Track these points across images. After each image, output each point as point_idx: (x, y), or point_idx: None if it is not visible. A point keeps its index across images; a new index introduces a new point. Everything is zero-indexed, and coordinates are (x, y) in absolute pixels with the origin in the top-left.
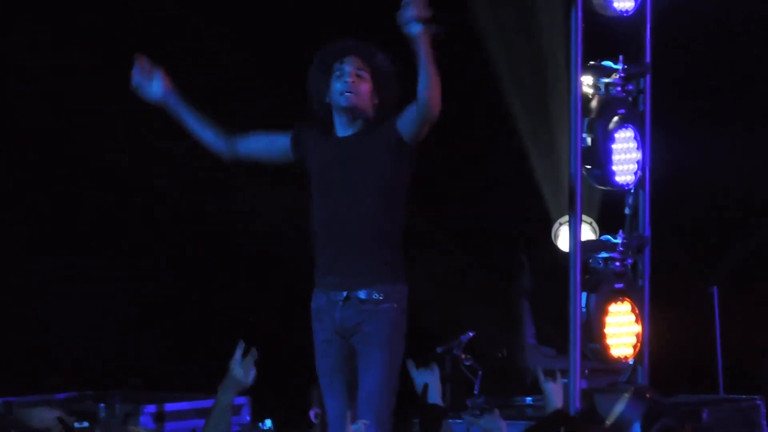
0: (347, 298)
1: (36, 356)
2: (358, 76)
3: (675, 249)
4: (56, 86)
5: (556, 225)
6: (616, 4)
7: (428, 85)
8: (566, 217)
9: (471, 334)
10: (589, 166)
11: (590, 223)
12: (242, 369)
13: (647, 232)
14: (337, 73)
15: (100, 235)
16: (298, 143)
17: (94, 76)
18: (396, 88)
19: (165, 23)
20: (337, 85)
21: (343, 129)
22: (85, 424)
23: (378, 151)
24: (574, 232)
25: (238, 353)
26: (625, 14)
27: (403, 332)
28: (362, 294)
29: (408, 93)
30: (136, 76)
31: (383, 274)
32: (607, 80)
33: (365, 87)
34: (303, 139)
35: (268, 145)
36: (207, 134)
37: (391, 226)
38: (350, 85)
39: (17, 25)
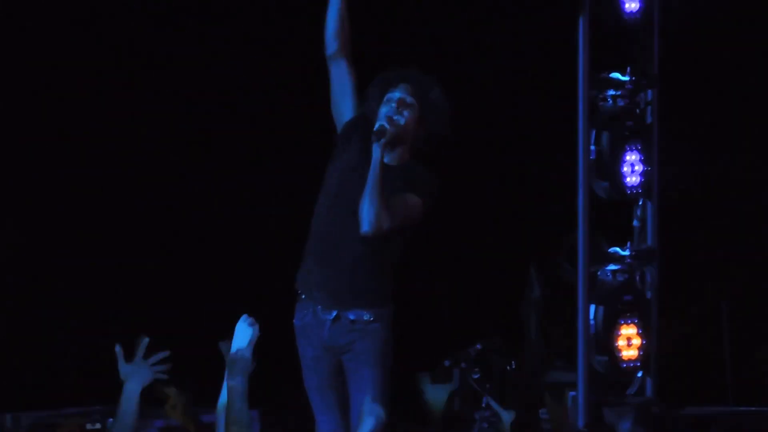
0: (337, 317)
1: (41, 367)
2: (405, 104)
3: (684, 261)
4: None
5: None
6: (627, 18)
7: (362, 206)
8: None
9: (479, 346)
10: (597, 178)
11: None
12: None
13: (655, 245)
14: (387, 97)
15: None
16: (351, 125)
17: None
18: (444, 123)
19: None
20: (382, 110)
21: (386, 151)
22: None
23: (397, 192)
24: (582, 244)
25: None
26: (632, 17)
27: (391, 348)
28: (352, 315)
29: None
30: None
31: (375, 297)
32: (614, 92)
33: (410, 116)
34: (357, 128)
35: (342, 87)
36: (330, 24)
37: (390, 254)
38: (393, 110)
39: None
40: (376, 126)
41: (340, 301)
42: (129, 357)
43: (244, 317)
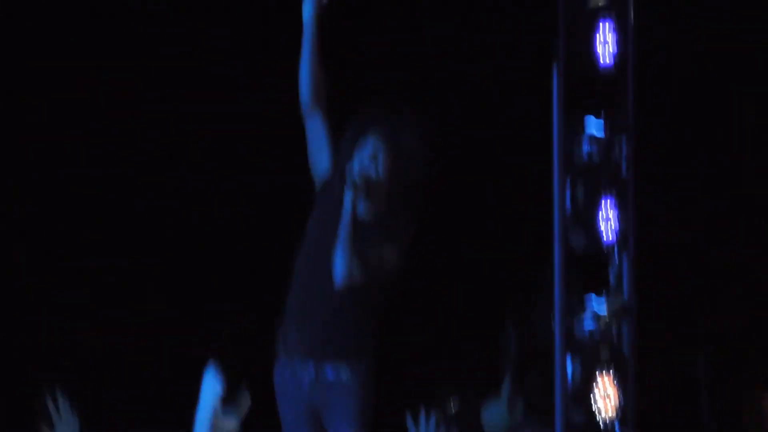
0: (315, 373)
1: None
2: (376, 156)
3: (660, 315)
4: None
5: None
6: (602, 68)
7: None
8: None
9: (456, 400)
10: (572, 231)
11: None
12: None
13: (631, 299)
14: (359, 151)
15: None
16: (327, 181)
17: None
18: (420, 167)
19: None
20: (355, 164)
21: (359, 206)
22: None
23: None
24: (558, 297)
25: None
26: (607, 69)
27: (372, 404)
28: (330, 369)
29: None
30: None
31: (354, 351)
32: (590, 144)
33: (382, 167)
34: (333, 183)
35: (318, 141)
36: (304, 78)
37: (370, 308)
38: (365, 165)
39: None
40: (348, 181)
41: (318, 355)
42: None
43: (212, 368)
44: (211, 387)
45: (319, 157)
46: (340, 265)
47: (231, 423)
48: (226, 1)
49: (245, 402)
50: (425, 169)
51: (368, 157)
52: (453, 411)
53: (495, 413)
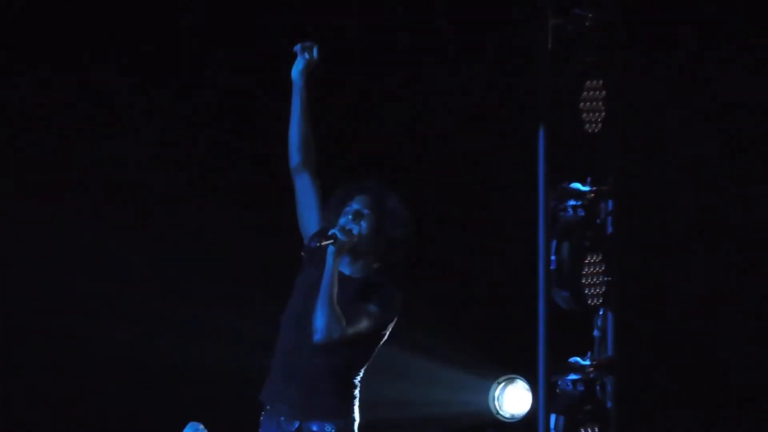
0: (299, 429)
1: None
2: (361, 215)
3: (644, 371)
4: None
5: (496, 387)
6: (587, 128)
7: (314, 315)
8: (506, 378)
9: None
10: (557, 288)
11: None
12: None
13: (615, 354)
14: (345, 210)
15: None
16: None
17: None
18: (404, 233)
19: None
20: (340, 220)
21: (344, 265)
22: None
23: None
24: (542, 354)
25: None
26: (592, 134)
27: None
28: (314, 426)
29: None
30: (298, 47)
31: (336, 410)
32: (575, 202)
33: (366, 227)
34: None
35: (306, 200)
36: (293, 137)
37: (352, 367)
38: (349, 221)
39: None
40: (329, 232)
41: (301, 413)
42: None
43: (191, 425)
44: None
45: (308, 215)
46: (319, 321)
47: None
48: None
49: None
50: (407, 233)
51: (353, 218)
52: None
53: None
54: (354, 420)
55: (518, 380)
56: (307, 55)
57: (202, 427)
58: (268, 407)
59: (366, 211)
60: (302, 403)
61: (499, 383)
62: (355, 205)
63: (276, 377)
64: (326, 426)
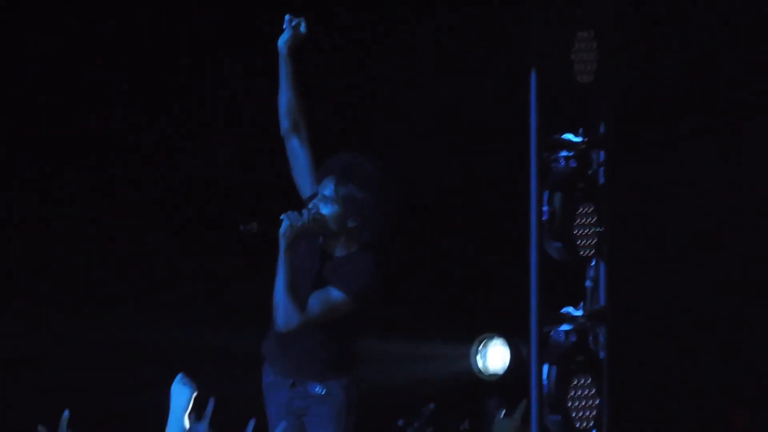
0: (293, 384)
1: None
2: (325, 198)
3: (635, 321)
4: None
5: (477, 344)
6: (578, 77)
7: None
8: (487, 335)
9: (432, 406)
10: (549, 239)
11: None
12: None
13: (607, 305)
14: (322, 185)
15: None
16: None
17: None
18: (381, 213)
19: None
20: (315, 200)
21: (325, 239)
22: None
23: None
24: (535, 305)
25: (192, 417)
26: (585, 86)
27: (350, 410)
28: (308, 386)
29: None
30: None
31: (330, 370)
32: (567, 153)
33: (330, 211)
34: None
35: (297, 165)
36: (281, 104)
37: (346, 326)
38: (314, 205)
39: None
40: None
41: (295, 372)
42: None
43: (179, 377)
44: (179, 393)
45: (301, 181)
46: (276, 311)
47: (201, 428)
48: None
49: (210, 407)
50: (382, 211)
51: (318, 201)
52: (428, 415)
53: (505, 428)
54: (348, 380)
55: (495, 338)
56: (294, 26)
57: (188, 380)
58: (267, 360)
59: (331, 195)
60: (295, 368)
61: (480, 341)
62: (322, 189)
63: (271, 340)
64: (317, 386)
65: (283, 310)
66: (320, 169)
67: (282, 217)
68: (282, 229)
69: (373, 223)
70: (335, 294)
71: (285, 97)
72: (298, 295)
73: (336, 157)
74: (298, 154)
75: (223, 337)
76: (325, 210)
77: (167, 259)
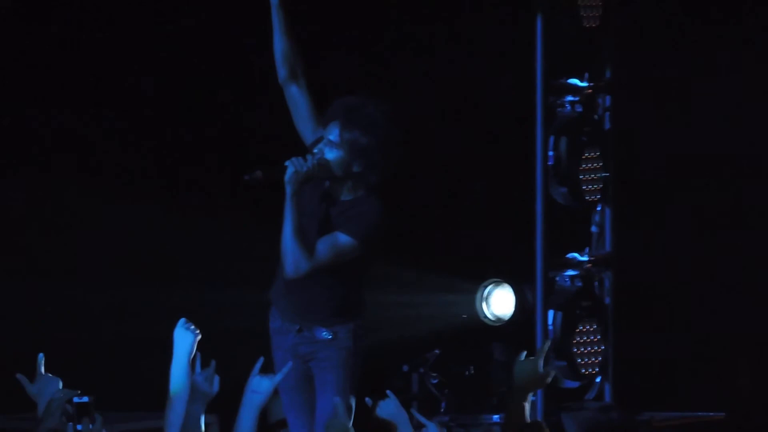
0: (300, 329)
1: None
2: (329, 143)
3: (642, 266)
4: None
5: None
6: (584, 23)
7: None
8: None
9: (437, 351)
10: (555, 184)
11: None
12: (206, 380)
13: (613, 250)
14: (327, 130)
15: None
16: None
17: None
18: (377, 159)
19: None
20: (315, 149)
21: (331, 184)
22: (86, 399)
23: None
24: (540, 250)
25: (198, 365)
26: (590, 29)
27: (356, 355)
28: (315, 330)
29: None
30: None
31: (335, 315)
32: (572, 98)
33: (334, 156)
34: None
35: (298, 112)
36: (276, 53)
37: (352, 272)
38: (319, 150)
39: None
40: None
41: (301, 318)
42: (31, 378)
43: (181, 322)
44: (183, 339)
45: (303, 127)
46: (284, 257)
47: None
48: None
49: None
50: (394, 155)
51: (323, 145)
52: (433, 360)
53: (527, 369)
54: (354, 325)
55: (500, 283)
56: None
57: (192, 326)
58: (274, 304)
59: (336, 139)
60: (301, 310)
61: (485, 287)
62: (327, 134)
63: (279, 285)
64: (323, 331)
65: (292, 256)
66: (325, 112)
67: (286, 163)
68: (287, 176)
69: (379, 168)
70: (343, 238)
71: (280, 46)
72: (306, 240)
73: (341, 100)
74: (297, 101)
75: (229, 287)
76: (330, 155)
77: (174, 211)
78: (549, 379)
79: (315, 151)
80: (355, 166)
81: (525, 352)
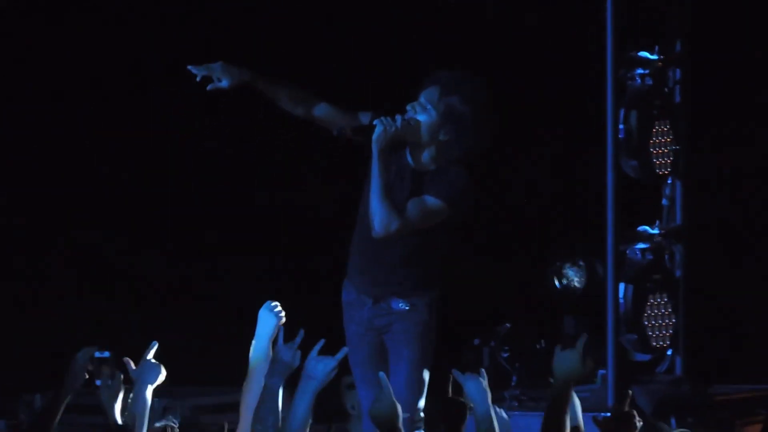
0: (376, 301)
1: None
2: (420, 106)
3: (714, 239)
4: None
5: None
6: None
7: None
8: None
9: (508, 325)
10: (625, 158)
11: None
12: (289, 351)
13: (684, 223)
14: (421, 94)
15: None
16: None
17: None
18: (467, 130)
19: None
20: (408, 106)
21: (413, 152)
22: (106, 354)
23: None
24: (611, 223)
25: (281, 337)
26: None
27: (432, 329)
28: (392, 302)
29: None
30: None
31: (413, 287)
32: (643, 71)
33: (427, 118)
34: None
35: (338, 114)
36: (284, 106)
37: (432, 246)
38: (408, 112)
39: None
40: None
41: (378, 290)
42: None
43: (267, 304)
44: (266, 320)
45: (351, 119)
46: (374, 215)
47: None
48: None
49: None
50: (487, 133)
51: (412, 108)
52: (504, 334)
53: (567, 361)
54: (431, 298)
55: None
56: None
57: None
58: (350, 277)
59: (427, 105)
60: (378, 282)
61: (557, 261)
62: (423, 96)
63: (355, 252)
64: (401, 303)
65: (380, 215)
66: (425, 79)
67: (375, 122)
68: (375, 135)
69: (466, 140)
70: (431, 200)
71: (282, 102)
72: (394, 198)
73: (444, 70)
74: (324, 113)
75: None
76: (422, 116)
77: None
78: (587, 372)
79: (407, 107)
80: (442, 134)
81: (561, 345)
